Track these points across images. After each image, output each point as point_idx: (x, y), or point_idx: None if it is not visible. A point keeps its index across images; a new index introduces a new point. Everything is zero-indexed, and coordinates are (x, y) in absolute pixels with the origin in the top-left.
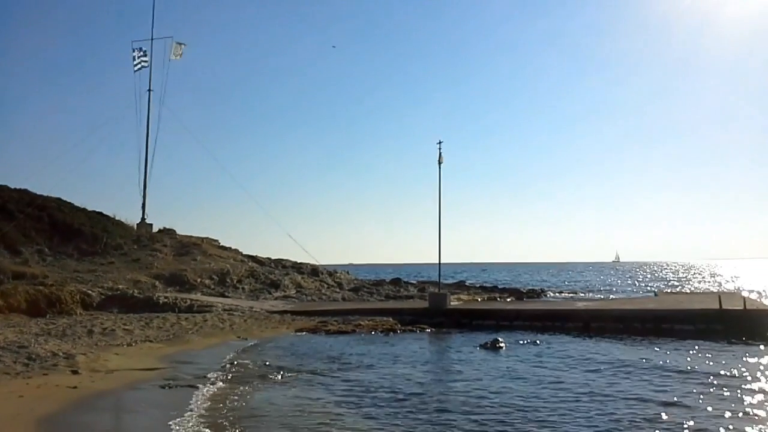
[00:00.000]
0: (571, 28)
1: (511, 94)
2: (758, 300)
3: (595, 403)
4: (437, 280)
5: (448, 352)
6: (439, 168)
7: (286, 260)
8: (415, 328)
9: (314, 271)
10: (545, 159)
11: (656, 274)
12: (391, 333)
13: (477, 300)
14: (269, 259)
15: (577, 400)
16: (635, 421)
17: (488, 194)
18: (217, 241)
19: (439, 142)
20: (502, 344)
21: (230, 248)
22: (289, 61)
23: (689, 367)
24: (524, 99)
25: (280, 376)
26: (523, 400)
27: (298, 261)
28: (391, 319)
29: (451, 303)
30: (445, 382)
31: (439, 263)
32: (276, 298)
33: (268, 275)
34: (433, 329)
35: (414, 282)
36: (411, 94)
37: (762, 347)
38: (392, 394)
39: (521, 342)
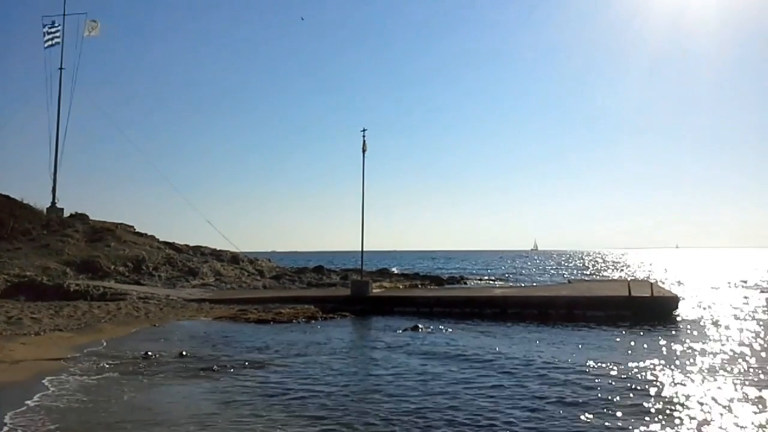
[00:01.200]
0: (498, 19)
1: (437, 85)
2: (664, 287)
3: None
4: (360, 268)
5: (368, 338)
6: (363, 156)
7: (205, 247)
8: (336, 316)
9: (234, 258)
10: (468, 150)
11: (572, 262)
12: (313, 321)
13: (399, 287)
14: (187, 246)
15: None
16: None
17: (412, 183)
18: (132, 227)
19: (363, 130)
20: (421, 330)
21: (146, 235)
22: (210, 42)
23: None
24: (450, 90)
25: (188, 366)
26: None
27: (218, 248)
28: (312, 306)
29: (373, 290)
30: (364, 368)
31: (362, 251)
32: (194, 286)
33: (185, 263)
34: (355, 316)
35: (337, 270)
36: (337, 80)
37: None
38: (310, 386)
39: (441, 328)
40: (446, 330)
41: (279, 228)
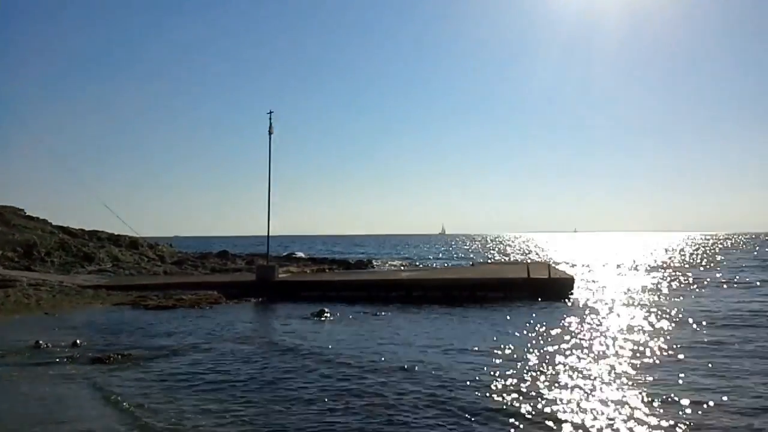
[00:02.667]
0: (414, 12)
1: (349, 69)
2: (561, 269)
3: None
4: (266, 253)
5: (272, 324)
6: (270, 138)
7: (102, 232)
8: (241, 301)
9: (133, 243)
10: (379, 135)
11: (477, 246)
12: (216, 306)
13: (306, 272)
14: (83, 230)
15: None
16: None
17: (321, 167)
18: (22, 210)
19: (270, 112)
20: (327, 314)
21: (38, 218)
22: (110, 16)
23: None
24: (362, 75)
25: (82, 355)
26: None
27: (116, 233)
28: (216, 292)
29: (280, 275)
30: (266, 355)
31: (268, 235)
32: (90, 272)
33: (81, 248)
34: (260, 301)
35: (242, 255)
36: (245, 63)
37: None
38: (215, 374)
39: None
40: (350, 315)
41: (182, 212)
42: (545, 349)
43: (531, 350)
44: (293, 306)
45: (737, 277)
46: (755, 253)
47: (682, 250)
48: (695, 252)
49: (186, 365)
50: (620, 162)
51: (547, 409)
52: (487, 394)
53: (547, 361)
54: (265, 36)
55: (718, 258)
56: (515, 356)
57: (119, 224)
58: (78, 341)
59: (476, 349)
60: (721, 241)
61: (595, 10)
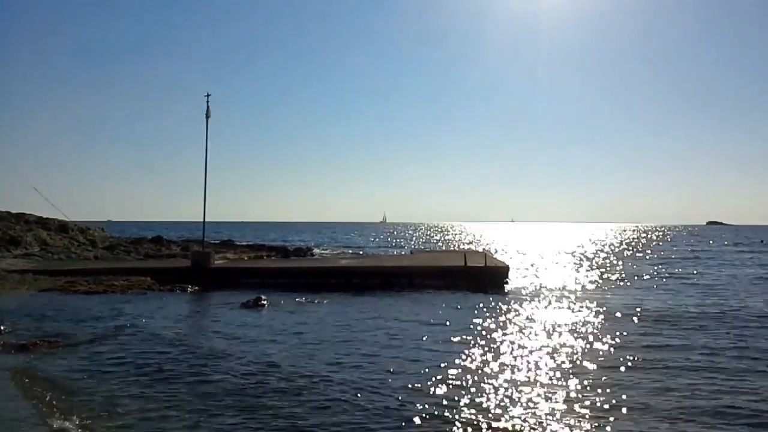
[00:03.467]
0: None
1: (287, 53)
2: (497, 258)
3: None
4: (202, 239)
5: (206, 312)
6: (207, 122)
7: (30, 215)
8: (175, 288)
9: (63, 227)
10: (320, 122)
11: (418, 234)
12: (148, 293)
13: (244, 259)
14: (9, 213)
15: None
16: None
17: (262, 152)
18: None
19: (207, 95)
20: (264, 302)
21: None
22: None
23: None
24: (304, 64)
25: (6, 341)
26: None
27: (45, 216)
28: (149, 278)
29: (216, 262)
30: (198, 344)
31: (204, 221)
32: (16, 257)
33: (6, 231)
34: (195, 289)
35: (178, 241)
36: (181, 44)
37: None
38: (143, 360)
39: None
40: (287, 303)
41: (117, 196)
42: (474, 339)
43: (461, 341)
44: (229, 293)
45: (664, 269)
46: (682, 244)
47: (614, 240)
48: (627, 242)
49: (113, 351)
50: (557, 154)
51: (470, 404)
52: (409, 388)
53: (475, 351)
54: (203, 17)
55: (649, 250)
56: (444, 348)
57: (49, 208)
58: (2, 327)
59: (407, 340)
60: (651, 232)
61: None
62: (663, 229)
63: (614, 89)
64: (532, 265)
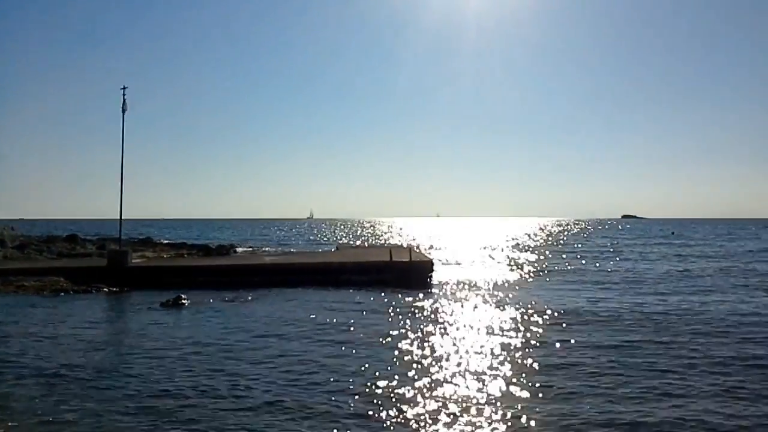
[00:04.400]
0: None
1: (206, 48)
2: (423, 253)
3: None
4: (119, 236)
5: (122, 313)
6: (123, 116)
7: None
8: (91, 288)
9: None
10: (244, 118)
11: (344, 230)
12: (62, 294)
13: (163, 257)
14: None
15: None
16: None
17: (184, 148)
18: None
19: (123, 88)
20: (184, 301)
21: None
22: None
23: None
24: (221, 52)
25: None
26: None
27: None
28: (62, 279)
29: (134, 261)
30: (114, 345)
31: (120, 218)
32: None
33: None
34: (112, 289)
35: (93, 239)
36: (95, 34)
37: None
38: (48, 365)
39: (208, 300)
40: (210, 302)
41: (28, 193)
42: (395, 336)
43: (381, 337)
44: (148, 293)
45: (583, 264)
46: (600, 237)
47: (536, 234)
48: (549, 236)
49: (15, 355)
50: (481, 150)
51: (387, 403)
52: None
53: (396, 348)
54: (121, 8)
55: (570, 244)
56: (360, 346)
57: None
58: None
59: (326, 336)
60: (571, 226)
61: (460, 6)
62: (582, 222)
63: (535, 88)
64: (455, 259)
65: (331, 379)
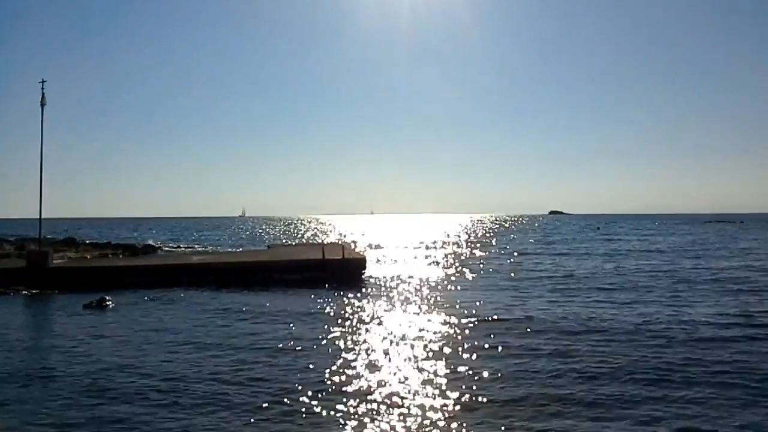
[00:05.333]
0: None
1: (134, 40)
2: (356, 250)
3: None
4: (38, 236)
5: (42, 316)
6: (42, 110)
7: None
8: (8, 291)
9: None
10: (172, 112)
11: (277, 228)
12: None
13: (87, 257)
14: None
15: None
16: None
17: (109, 143)
18: None
19: (42, 82)
20: (108, 303)
21: None
22: None
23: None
24: (149, 47)
25: None
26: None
27: None
28: None
29: (55, 261)
30: (33, 349)
31: (40, 217)
32: None
33: None
34: (32, 291)
35: (11, 239)
36: (12, 28)
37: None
38: None
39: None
40: (135, 304)
41: None
42: (324, 336)
43: (310, 338)
44: (70, 295)
45: (513, 260)
46: (531, 232)
47: (468, 230)
48: (480, 232)
49: None
50: (414, 147)
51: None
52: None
53: (327, 346)
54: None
55: (501, 239)
56: (287, 347)
57: None
58: None
59: (252, 339)
60: (500, 221)
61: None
62: (512, 218)
63: (468, 86)
64: (389, 258)
65: (255, 377)
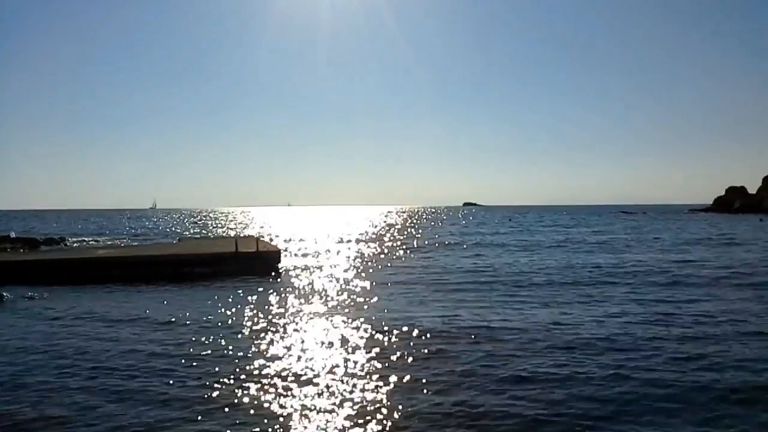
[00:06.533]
0: None
1: (66, 23)
2: (271, 242)
3: None
4: None
5: None
6: None
7: None
8: None
9: None
10: (79, 101)
11: (190, 220)
12: None
13: None
14: None
15: None
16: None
17: (15, 136)
18: None
19: None
20: (6, 297)
21: None
22: None
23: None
24: (77, 30)
25: None
26: None
27: None
28: None
29: None
30: None
31: None
32: None
33: None
34: None
35: None
36: None
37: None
38: None
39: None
40: (28, 299)
41: None
42: (235, 330)
43: (217, 332)
44: None
45: (430, 255)
46: (447, 223)
47: (386, 222)
48: (398, 224)
49: None
50: (334, 140)
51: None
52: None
53: (234, 343)
54: None
55: (421, 230)
56: (194, 342)
57: None
58: None
59: (154, 339)
60: (416, 213)
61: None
62: (428, 209)
63: (384, 80)
64: (305, 250)
65: (156, 374)
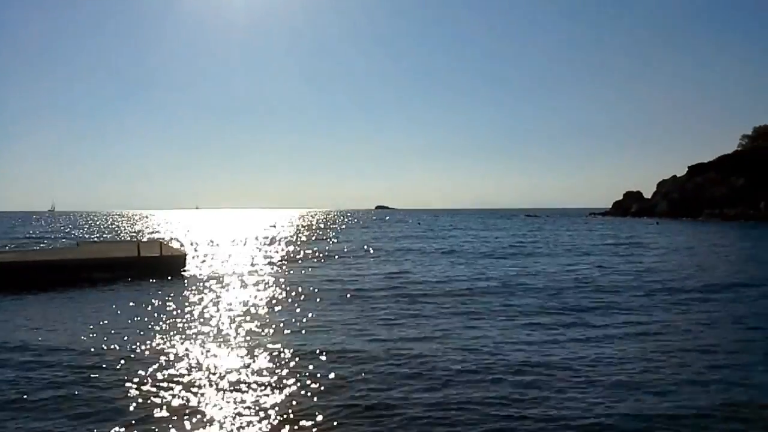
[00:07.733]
0: None
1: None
2: (175, 246)
3: None
4: None
5: None
6: None
7: None
8: None
9: None
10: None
11: (90, 224)
12: None
13: None
14: None
15: None
16: None
17: None
18: None
19: None
20: None
21: None
22: None
23: None
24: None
25: None
26: None
27: None
28: None
29: None
30: None
31: None
32: None
33: None
34: None
35: None
36: None
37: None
38: None
39: None
40: None
41: None
42: (130, 336)
43: (114, 339)
44: None
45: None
46: (358, 225)
47: (296, 225)
48: (307, 226)
49: None
50: (244, 142)
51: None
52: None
53: (132, 347)
54: None
55: (334, 234)
56: (91, 348)
57: None
58: None
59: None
60: (329, 216)
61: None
62: (342, 212)
63: (293, 82)
64: (211, 252)
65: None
